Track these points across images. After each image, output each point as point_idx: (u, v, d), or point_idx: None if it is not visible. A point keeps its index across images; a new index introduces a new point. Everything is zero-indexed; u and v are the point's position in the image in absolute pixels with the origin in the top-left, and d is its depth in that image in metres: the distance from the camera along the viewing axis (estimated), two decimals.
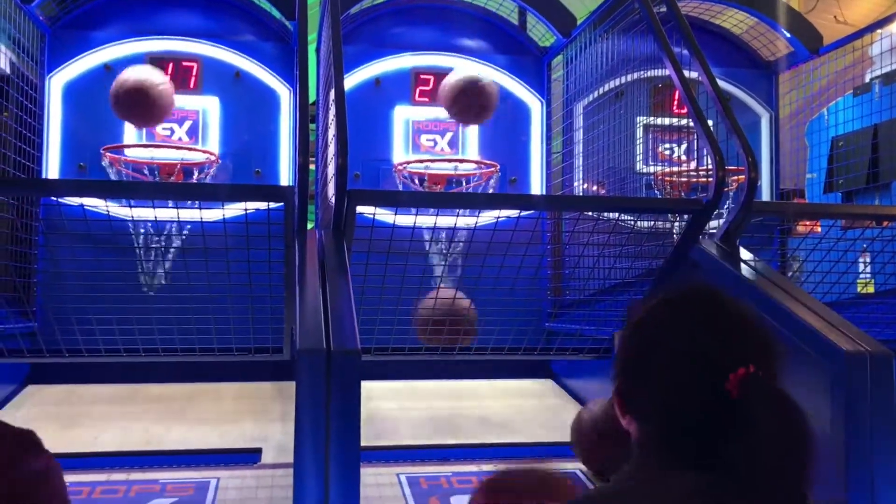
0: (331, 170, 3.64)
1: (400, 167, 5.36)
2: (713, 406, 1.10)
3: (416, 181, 5.34)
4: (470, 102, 4.98)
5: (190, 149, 5.12)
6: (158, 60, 5.22)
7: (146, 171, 4.94)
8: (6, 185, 4.30)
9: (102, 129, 5.11)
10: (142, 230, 4.67)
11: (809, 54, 5.84)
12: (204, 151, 5.14)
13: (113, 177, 4.91)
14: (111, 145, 4.99)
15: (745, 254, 3.69)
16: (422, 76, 5.63)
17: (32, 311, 4.61)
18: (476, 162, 5.47)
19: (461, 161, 5.47)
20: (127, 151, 5.03)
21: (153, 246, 4.80)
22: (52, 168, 5.12)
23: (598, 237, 4.13)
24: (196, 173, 5.09)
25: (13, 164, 4.71)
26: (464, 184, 5.42)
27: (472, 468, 3.55)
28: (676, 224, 4.44)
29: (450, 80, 5.07)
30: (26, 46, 4.91)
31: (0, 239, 4.37)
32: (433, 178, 5.32)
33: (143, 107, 4.51)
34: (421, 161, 5.38)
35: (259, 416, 4.26)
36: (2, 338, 3.94)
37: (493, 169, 5.40)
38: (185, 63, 5.26)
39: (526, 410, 4.60)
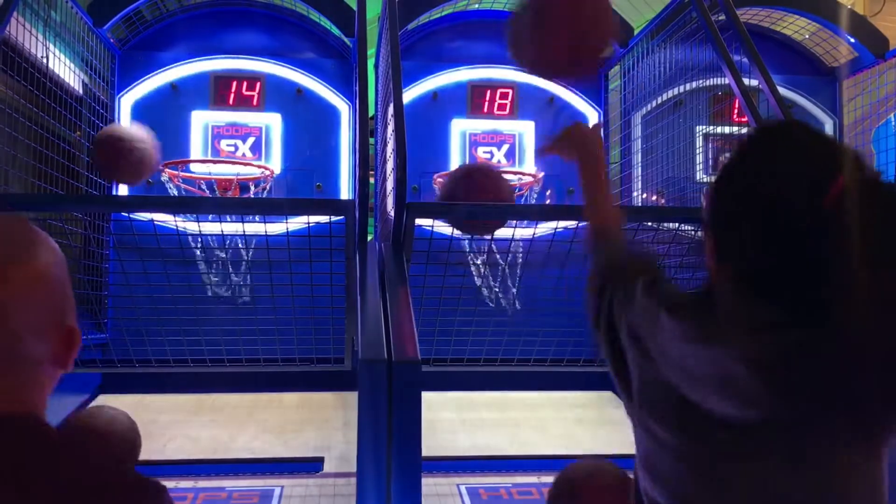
0: (390, 183, 3.70)
1: (440, 179, 5.38)
2: (815, 224, 1.06)
3: None
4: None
5: (245, 163, 5.25)
6: (222, 78, 5.38)
7: (203, 186, 5.08)
8: (79, 202, 4.47)
9: (170, 146, 5.28)
10: (209, 244, 4.79)
11: (875, 59, 5.71)
12: (259, 166, 5.27)
13: (172, 192, 5.07)
14: (171, 161, 5.14)
15: None
16: (478, 89, 5.68)
17: (104, 323, 4.77)
18: (523, 174, 5.47)
19: (514, 173, 5.48)
20: (185, 167, 5.18)
21: (219, 259, 4.92)
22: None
23: (658, 247, 4.10)
24: (252, 187, 5.21)
25: (85, 180, 4.90)
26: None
27: (532, 479, 3.55)
28: None
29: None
30: (98, 67, 5.11)
31: (73, 253, 4.54)
32: None
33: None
34: None
35: (321, 425, 4.33)
36: None
37: (532, 180, 5.39)
38: (248, 81, 5.41)
39: (585, 422, 4.57)
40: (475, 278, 5.01)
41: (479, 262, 5.03)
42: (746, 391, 1.05)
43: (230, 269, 4.94)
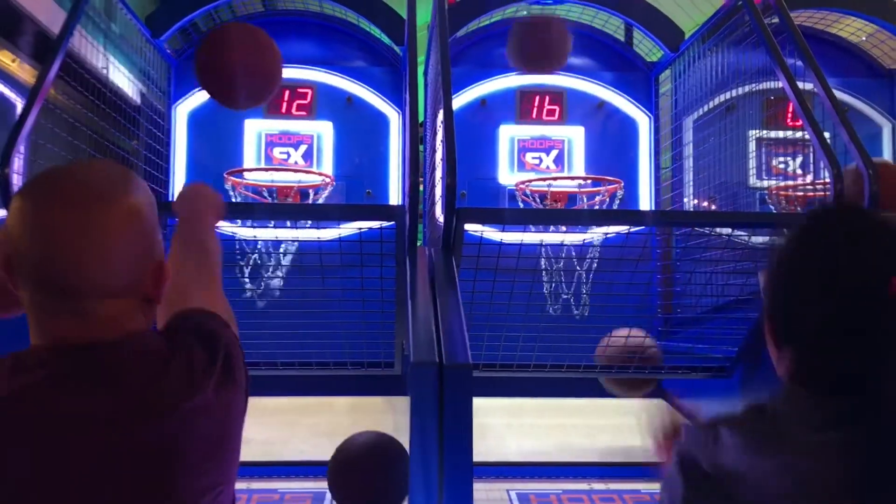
0: (439, 189, 3.72)
1: (522, 186, 5.38)
2: (875, 315, 1.04)
3: (537, 199, 5.34)
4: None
5: (306, 171, 5.32)
6: None
7: (265, 194, 5.16)
8: None
9: (223, 154, 5.39)
10: (263, 249, 4.87)
11: None
12: (319, 174, 5.33)
13: (236, 199, 5.16)
14: (233, 169, 5.23)
15: None
16: (527, 95, 5.68)
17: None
18: (598, 178, 5.43)
19: (585, 179, 5.45)
20: (246, 175, 5.27)
21: (273, 264, 4.99)
22: (178, 191, 5.42)
23: (711, 253, 4.05)
24: (312, 194, 5.28)
25: None
26: (584, 201, 5.39)
27: (583, 486, 3.54)
28: None
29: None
30: (154, 78, 5.24)
31: None
32: (554, 195, 5.30)
33: None
34: (543, 179, 5.39)
35: (372, 429, 4.36)
36: None
37: (616, 185, 5.34)
38: (300, 90, 5.50)
39: (635, 429, 4.53)
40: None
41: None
42: (818, 494, 1.02)
43: (284, 274, 5.01)
